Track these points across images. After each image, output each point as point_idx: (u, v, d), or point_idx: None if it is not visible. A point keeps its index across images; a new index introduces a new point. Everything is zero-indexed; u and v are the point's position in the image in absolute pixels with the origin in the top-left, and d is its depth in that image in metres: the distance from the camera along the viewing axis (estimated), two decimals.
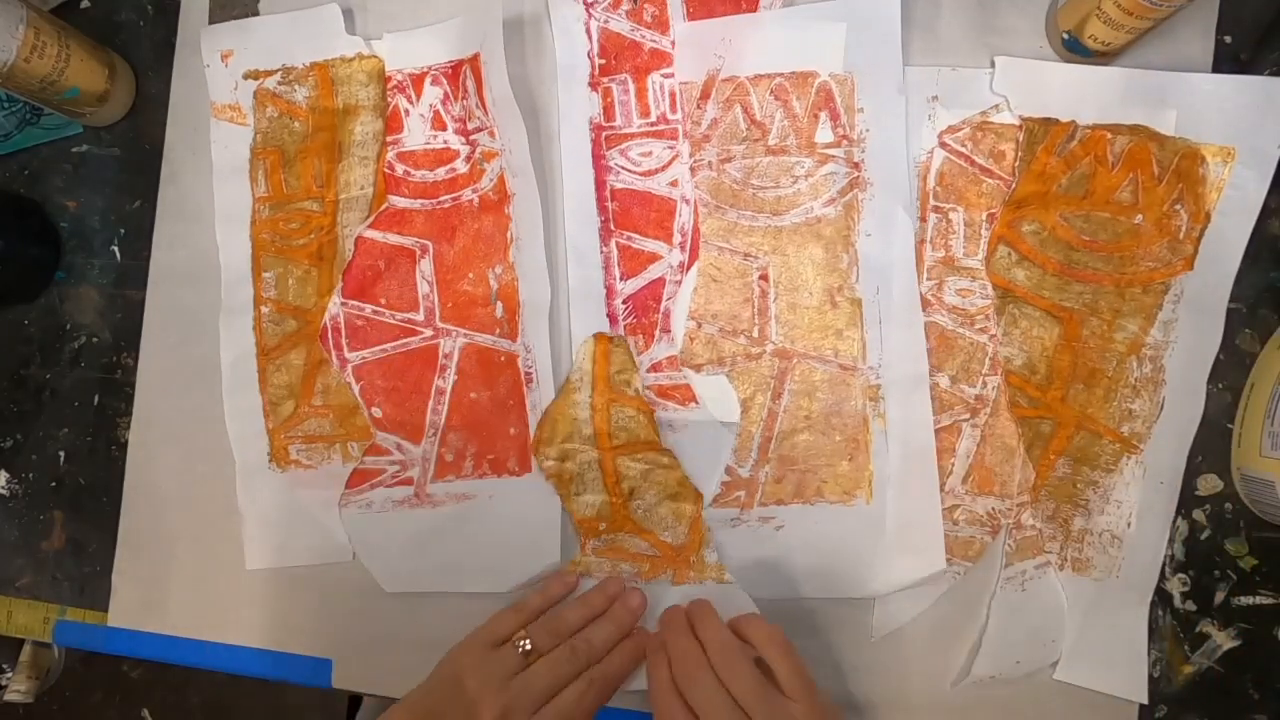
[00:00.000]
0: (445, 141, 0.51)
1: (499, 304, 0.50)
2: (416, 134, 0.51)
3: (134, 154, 0.56)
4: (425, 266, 0.51)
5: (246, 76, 0.53)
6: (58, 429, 0.56)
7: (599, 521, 0.49)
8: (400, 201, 0.51)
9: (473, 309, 0.51)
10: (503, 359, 0.50)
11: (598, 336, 0.49)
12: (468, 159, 0.51)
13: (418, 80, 0.51)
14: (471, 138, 0.51)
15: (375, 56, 0.52)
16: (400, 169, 0.52)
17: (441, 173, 0.51)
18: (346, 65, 0.52)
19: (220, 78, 0.54)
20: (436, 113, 0.51)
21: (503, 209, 0.50)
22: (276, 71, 0.53)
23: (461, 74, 0.51)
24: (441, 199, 0.51)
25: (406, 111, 0.51)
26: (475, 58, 0.50)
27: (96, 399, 0.55)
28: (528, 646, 0.43)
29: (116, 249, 0.56)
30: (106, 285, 0.56)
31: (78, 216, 0.57)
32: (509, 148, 0.50)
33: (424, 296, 0.51)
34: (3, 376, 0.57)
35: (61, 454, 0.56)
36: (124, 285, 0.56)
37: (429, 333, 0.51)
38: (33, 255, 0.56)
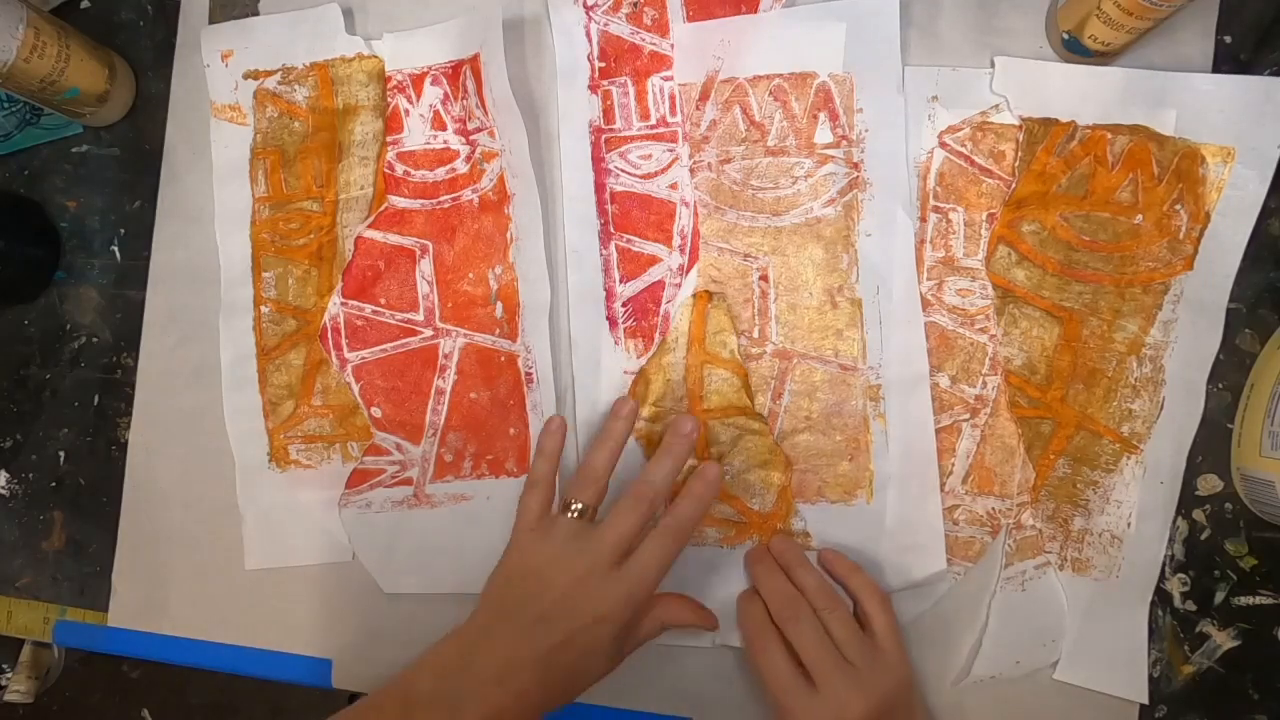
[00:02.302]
0: (445, 141, 0.51)
1: (499, 304, 0.50)
2: (416, 134, 0.51)
3: (134, 154, 0.56)
4: (425, 266, 0.51)
5: (246, 76, 0.53)
6: (58, 429, 0.56)
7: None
8: (400, 201, 0.51)
9: (473, 309, 0.51)
10: (503, 359, 0.50)
11: (698, 295, 0.48)
12: (468, 159, 0.51)
13: (418, 80, 0.51)
14: (471, 138, 0.51)
15: (375, 56, 0.52)
16: (400, 169, 0.51)
17: (441, 173, 0.51)
18: (346, 65, 0.52)
19: (220, 78, 0.54)
20: (436, 113, 0.51)
21: (503, 209, 0.50)
22: (276, 71, 0.53)
23: (461, 74, 0.51)
24: (441, 199, 0.51)
25: (406, 111, 0.51)
26: (475, 58, 0.50)
27: (96, 399, 0.55)
28: (580, 507, 0.40)
29: (116, 249, 0.56)
30: (106, 285, 0.56)
31: (78, 216, 0.57)
32: (509, 148, 0.50)
33: (424, 296, 0.51)
34: (3, 376, 0.57)
35: (61, 454, 0.56)
36: (124, 285, 0.56)
37: (429, 333, 0.51)
38: (33, 255, 0.56)
